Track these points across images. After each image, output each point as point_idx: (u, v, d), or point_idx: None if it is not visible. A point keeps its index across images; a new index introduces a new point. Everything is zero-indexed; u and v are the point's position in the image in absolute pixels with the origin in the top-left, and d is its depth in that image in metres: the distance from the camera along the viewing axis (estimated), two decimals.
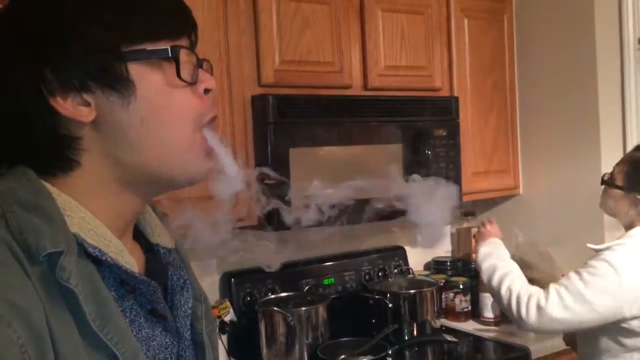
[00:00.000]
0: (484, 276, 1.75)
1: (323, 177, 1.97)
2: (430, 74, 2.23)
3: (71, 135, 0.61)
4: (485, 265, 1.75)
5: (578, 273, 1.55)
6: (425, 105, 2.14)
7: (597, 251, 1.58)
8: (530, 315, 1.55)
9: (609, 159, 2.28)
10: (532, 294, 1.57)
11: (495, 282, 1.68)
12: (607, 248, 1.56)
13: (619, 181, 1.64)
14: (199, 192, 1.77)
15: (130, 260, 0.64)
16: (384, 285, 2.24)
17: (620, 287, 1.49)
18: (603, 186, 1.71)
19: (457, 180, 2.19)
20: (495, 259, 1.74)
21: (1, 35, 0.61)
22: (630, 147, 2.26)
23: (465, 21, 2.32)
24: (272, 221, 1.82)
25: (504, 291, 1.64)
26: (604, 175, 1.71)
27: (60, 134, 0.61)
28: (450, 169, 2.15)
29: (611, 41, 2.26)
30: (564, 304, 1.52)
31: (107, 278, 0.62)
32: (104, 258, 0.60)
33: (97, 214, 0.63)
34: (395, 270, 2.38)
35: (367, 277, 2.31)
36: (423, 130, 2.10)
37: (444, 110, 2.19)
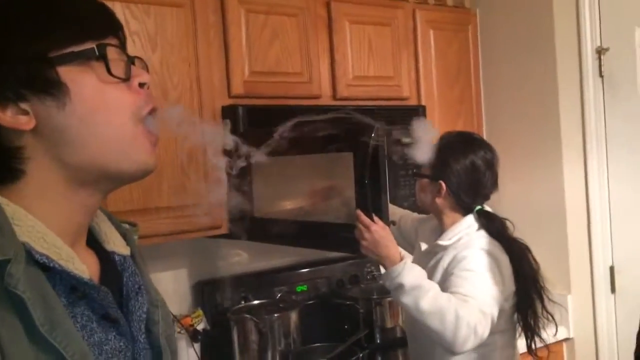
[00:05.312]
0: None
1: (289, 187, 2.00)
2: (398, 83, 2.28)
3: (13, 145, 0.63)
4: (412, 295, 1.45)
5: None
6: (394, 114, 2.19)
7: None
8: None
9: (570, 165, 2.37)
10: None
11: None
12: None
13: (426, 170, 1.67)
14: (172, 201, 1.78)
15: (81, 266, 0.65)
16: (356, 292, 2.28)
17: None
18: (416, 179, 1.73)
19: None
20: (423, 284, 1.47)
21: None
22: (590, 152, 2.36)
23: (431, 32, 2.38)
24: (242, 231, 1.85)
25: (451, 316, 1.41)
26: (415, 168, 1.72)
27: (2, 146, 0.63)
28: (415, 180, 2.18)
29: (570, 51, 2.35)
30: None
31: (57, 285, 0.63)
32: (52, 265, 0.62)
33: (47, 220, 0.64)
34: (368, 277, 2.42)
35: (339, 283, 2.34)
36: (391, 138, 2.15)
37: (412, 118, 2.24)
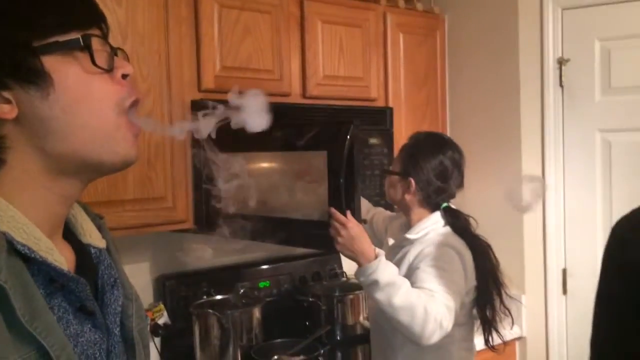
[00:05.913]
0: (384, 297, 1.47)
1: (257, 183, 2.00)
2: (367, 84, 2.31)
3: None
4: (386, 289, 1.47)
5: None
6: (361, 115, 2.22)
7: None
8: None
9: (528, 169, 2.45)
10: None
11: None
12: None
13: (396, 168, 1.76)
14: (138, 194, 1.77)
15: (60, 258, 0.65)
16: (318, 289, 2.30)
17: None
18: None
19: None
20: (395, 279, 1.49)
21: None
22: (547, 158, 2.44)
23: (401, 36, 2.42)
24: (207, 225, 1.84)
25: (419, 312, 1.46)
26: (385, 166, 1.80)
27: None
28: (383, 177, 2.23)
29: (533, 60, 2.42)
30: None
31: (35, 276, 0.63)
32: (32, 255, 0.62)
33: (26, 210, 0.64)
34: (330, 274, 2.45)
35: (301, 280, 2.36)
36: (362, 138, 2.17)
37: (379, 120, 2.28)
